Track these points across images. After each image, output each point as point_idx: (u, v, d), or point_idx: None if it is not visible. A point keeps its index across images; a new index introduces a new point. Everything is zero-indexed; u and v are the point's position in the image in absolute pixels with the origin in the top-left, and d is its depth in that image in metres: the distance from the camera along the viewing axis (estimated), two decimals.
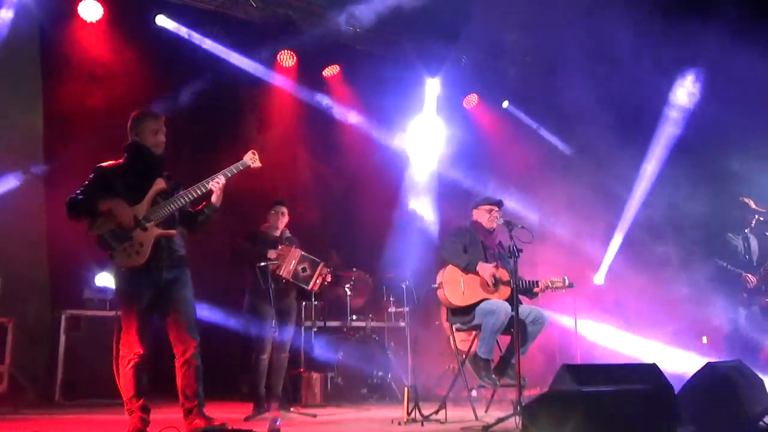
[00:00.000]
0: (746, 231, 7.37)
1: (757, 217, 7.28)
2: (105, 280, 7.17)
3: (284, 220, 6.46)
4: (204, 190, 4.62)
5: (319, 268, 6.30)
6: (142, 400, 4.41)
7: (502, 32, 10.53)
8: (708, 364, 5.03)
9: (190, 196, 4.59)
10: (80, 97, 7.44)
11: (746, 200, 7.34)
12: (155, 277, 4.45)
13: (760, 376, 5.11)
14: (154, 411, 4.51)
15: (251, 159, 4.87)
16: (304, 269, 6.25)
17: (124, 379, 4.42)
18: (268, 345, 6.15)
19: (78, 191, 4.43)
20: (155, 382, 5.13)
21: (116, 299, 4.50)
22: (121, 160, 4.62)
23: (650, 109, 9.16)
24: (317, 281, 6.31)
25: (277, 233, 6.43)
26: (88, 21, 7.72)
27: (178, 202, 4.55)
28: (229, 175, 4.73)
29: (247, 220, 7.15)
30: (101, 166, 4.55)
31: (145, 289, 4.43)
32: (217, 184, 4.64)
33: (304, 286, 6.27)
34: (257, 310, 6.17)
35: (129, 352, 4.40)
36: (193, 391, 4.44)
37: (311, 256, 6.31)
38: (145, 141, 4.62)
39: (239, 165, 4.80)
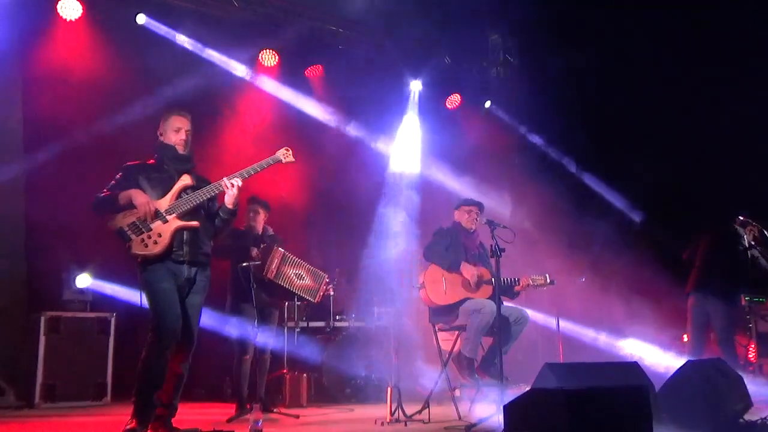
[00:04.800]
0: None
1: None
2: (85, 281, 7.11)
3: (260, 217, 6.43)
4: (222, 189, 4.60)
5: (324, 281, 6.36)
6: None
7: (485, 32, 10.61)
8: (688, 361, 5.09)
9: (211, 192, 4.55)
10: (60, 96, 7.36)
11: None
12: (176, 270, 4.40)
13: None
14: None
15: (284, 155, 4.77)
16: (299, 276, 6.22)
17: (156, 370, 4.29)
18: (250, 346, 6.12)
19: (104, 189, 4.42)
20: None
21: (145, 293, 4.37)
22: (150, 160, 4.62)
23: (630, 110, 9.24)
24: (321, 294, 6.36)
25: (259, 231, 6.40)
26: (68, 19, 7.64)
27: (200, 197, 4.51)
28: (259, 169, 4.67)
29: None
30: (128, 164, 4.55)
31: (168, 276, 4.36)
32: (231, 185, 4.55)
33: (308, 297, 6.29)
34: (239, 311, 6.14)
35: (164, 338, 4.26)
36: (169, 399, 4.41)
37: (315, 269, 6.33)
38: (168, 139, 4.62)
39: (270, 160, 4.72)
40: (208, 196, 4.56)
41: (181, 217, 4.44)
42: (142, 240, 4.31)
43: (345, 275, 8.29)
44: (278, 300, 6.58)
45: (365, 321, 8.34)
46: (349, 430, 5.39)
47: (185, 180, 4.56)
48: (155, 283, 4.33)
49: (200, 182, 4.63)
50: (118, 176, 4.50)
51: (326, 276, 6.37)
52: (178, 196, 4.50)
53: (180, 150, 4.63)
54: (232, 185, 4.57)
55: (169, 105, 7.63)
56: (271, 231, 6.52)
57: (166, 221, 4.39)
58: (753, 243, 6.92)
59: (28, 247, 7.23)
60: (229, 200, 4.62)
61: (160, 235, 4.34)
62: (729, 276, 6.81)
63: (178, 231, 4.42)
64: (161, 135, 4.66)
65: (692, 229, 7.43)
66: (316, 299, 6.34)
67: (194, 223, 4.49)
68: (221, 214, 4.68)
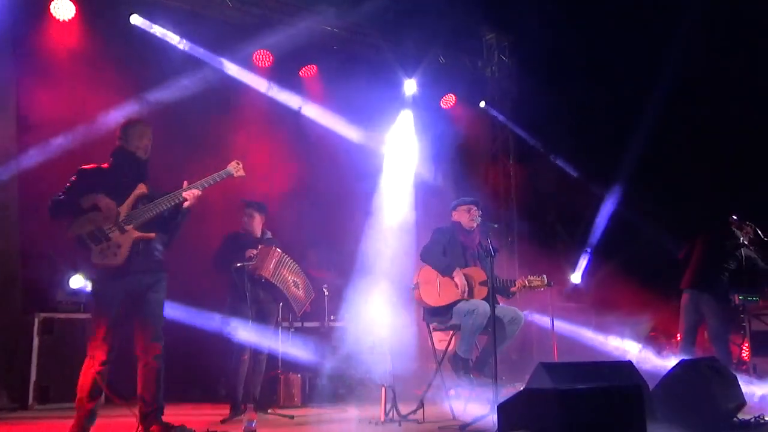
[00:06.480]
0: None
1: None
2: (78, 282, 7.08)
3: (256, 222, 6.42)
4: (181, 199, 4.61)
5: (311, 297, 6.41)
6: (92, 404, 4.39)
7: (479, 32, 10.63)
8: (682, 361, 5.10)
9: (168, 203, 4.57)
10: (53, 97, 7.33)
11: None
12: (132, 283, 4.43)
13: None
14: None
15: (235, 168, 4.84)
16: (296, 284, 6.22)
17: (83, 379, 4.39)
18: (246, 346, 6.11)
19: (60, 192, 4.43)
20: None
21: (90, 302, 4.45)
22: (105, 164, 4.62)
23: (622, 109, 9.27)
24: (303, 310, 6.41)
25: (257, 234, 6.40)
26: (61, 20, 7.62)
27: (158, 209, 4.53)
28: (212, 182, 4.72)
29: (225, 222, 7.09)
30: (84, 167, 4.55)
31: (121, 294, 4.40)
32: (190, 195, 4.60)
33: (295, 307, 6.31)
34: (236, 311, 6.13)
35: (94, 357, 4.36)
36: (151, 395, 4.41)
37: (309, 283, 6.37)
38: (129, 145, 4.62)
39: (222, 174, 4.79)
40: (165, 208, 4.57)
41: (138, 228, 4.47)
42: (102, 250, 4.35)
43: (340, 275, 8.28)
44: (274, 300, 6.56)
45: (359, 321, 8.32)
46: (343, 430, 5.38)
47: (141, 189, 4.58)
48: (104, 305, 4.41)
49: (154, 192, 4.64)
50: (73, 179, 4.51)
51: (313, 294, 6.45)
52: (134, 205, 4.52)
53: (141, 155, 4.65)
54: (192, 194, 4.60)
55: (164, 105, 7.69)
56: (269, 234, 6.51)
57: (124, 231, 4.42)
58: (747, 243, 6.95)
59: (21, 248, 7.20)
60: (189, 205, 4.64)
61: (119, 247, 4.38)
62: (723, 275, 6.85)
63: (136, 242, 4.45)
64: (122, 140, 4.65)
65: (689, 229, 7.46)
66: (299, 313, 6.39)
67: (151, 234, 4.53)
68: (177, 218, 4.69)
